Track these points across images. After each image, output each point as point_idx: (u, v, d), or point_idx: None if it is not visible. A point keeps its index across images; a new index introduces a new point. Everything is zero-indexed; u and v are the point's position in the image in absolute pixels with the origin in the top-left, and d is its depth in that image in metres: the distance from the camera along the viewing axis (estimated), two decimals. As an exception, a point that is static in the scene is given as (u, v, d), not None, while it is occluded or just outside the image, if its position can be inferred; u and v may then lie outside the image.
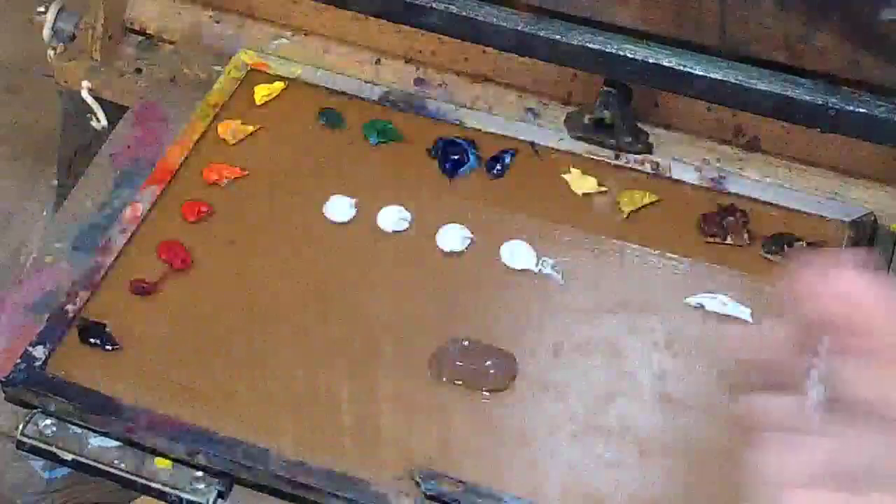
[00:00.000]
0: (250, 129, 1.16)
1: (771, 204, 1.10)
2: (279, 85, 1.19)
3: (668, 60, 1.09)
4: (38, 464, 1.52)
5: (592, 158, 1.13)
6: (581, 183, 1.12)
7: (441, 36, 1.17)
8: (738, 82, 1.07)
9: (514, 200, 1.11)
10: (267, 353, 1.01)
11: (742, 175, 1.12)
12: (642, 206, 1.10)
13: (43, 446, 0.99)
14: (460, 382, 0.99)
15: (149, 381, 1.00)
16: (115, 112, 1.23)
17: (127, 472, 0.98)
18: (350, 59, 1.22)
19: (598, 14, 1.11)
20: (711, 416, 0.98)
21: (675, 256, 1.07)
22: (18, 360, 1.01)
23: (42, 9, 1.28)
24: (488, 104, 1.18)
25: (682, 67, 1.09)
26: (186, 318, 1.03)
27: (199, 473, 0.96)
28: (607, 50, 1.10)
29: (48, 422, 1.00)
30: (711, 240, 1.08)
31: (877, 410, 0.50)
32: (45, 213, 1.81)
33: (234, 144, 1.15)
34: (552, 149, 1.14)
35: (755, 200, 1.10)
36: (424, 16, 1.14)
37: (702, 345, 1.01)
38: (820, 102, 1.06)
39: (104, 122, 1.25)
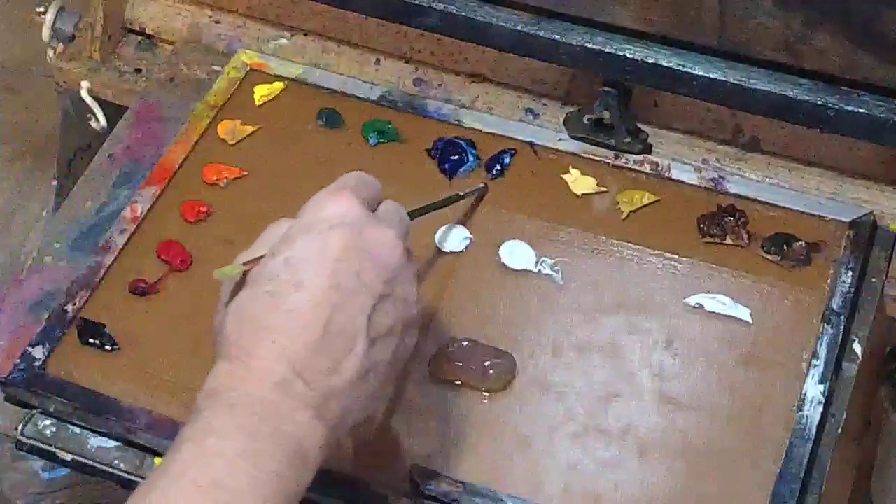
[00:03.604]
0: (250, 129, 1.16)
1: (770, 204, 1.10)
2: (279, 85, 1.19)
3: (668, 60, 1.09)
4: (38, 464, 1.52)
5: (592, 158, 1.14)
6: (580, 183, 1.12)
7: (440, 36, 1.17)
8: (737, 82, 1.07)
9: (513, 200, 1.11)
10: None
11: (741, 175, 1.12)
12: (641, 207, 1.10)
13: (42, 446, 1.00)
14: (460, 382, 0.99)
15: (148, 381, 1.00)
16: (114, 112, 1.23)
17: (127, 472, 0.98)
18: (349, 59, 1.22)
19: (598, 14, 1.11)
20: (711, 416, 0.98)
21: (675, 257, 1.07)
22: (18, 360, 1.01)
23: (42, 9, 1.28)
24: (487, 104, 1.18)
25: (681, 67, 1.09)
26: (186, 319, 1.03)
27: (199, 473, 0.96)
28: (607, 50, 1.10)
29: (48, 422, 1.00)
30: (710, 240, 1.08)
31: None
32: (45, 213, 1.81)
33: (233, 144, 1.16)
34: (551, 149, 1.14)
35: (755, 200, 1.10)
36: (424, 16, 1.14)
37: (702, 345, 1.02)
38: (820, 102, 1.06)
39: (104, 122, 1.25)
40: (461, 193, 1.08)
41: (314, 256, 0.82)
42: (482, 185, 1.10)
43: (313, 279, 0.81)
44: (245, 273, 0.84)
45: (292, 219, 0.88)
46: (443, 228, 1.08)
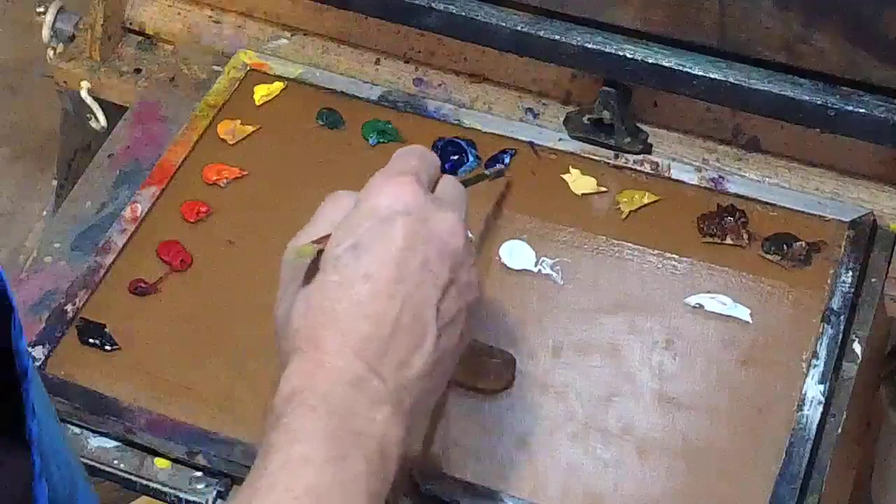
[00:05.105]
0: (250, 129, 1.16)
1: (770, 204, 1.10)
2: (279, 85, 1.19)
3: (668, 60, 1.09)
4: (37, 464, 1.51)
5: (592, 159, 1.14)
6: (580, 183, 1.12)
7: (440, 36, 1.17)
8: (737, 82, 1.08)
9: (513, 200, 1.11)
10: (267, 353, 1.01)
11: (741, 175, 1.12)
12: (641, 207, 1.10)
13: (43, 446, 0.99)
14: (460, 382, 0.99)
15: (148, 381, 1.00)
16: (114, 112, 1.23)
17: (126, 472, 0.98)
18: (350, 59, 1.22)
19: (598, 14, 1.11)
20: (711, 416, 0.98)
21: (675, 256, 1.07)
22: (18, 361, 1.01)
23: (42, 9, 1.28)
24: (487, 104, 1.18)
25: (681, 67, 1.09)
26: (186, 319, 1.03)
27: (199, 473, 0.97)
28: (607, 50, 1.10)
29: (48, 422, 1.00)
30: (710, 240, 1.08)
31: None
32: (45, 213, 1.81)
33: (233, 144, 1.15)
34: (551, 149, 1.14)
35: (754, 200, 1.10)
36: (424, 16, 1.14)
37: (702, 345, 1.02)
38: (820, 102, 1.06)
39: (104, 122, 1.25)
40: (486, 173, 1.08)
41: (380, 246, 0.81)
42: (502, 166, 1.10)
43: (381, 271, 0.80)
44: (319, 253, 0.82)
45: (351, 191, 0.87)
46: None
